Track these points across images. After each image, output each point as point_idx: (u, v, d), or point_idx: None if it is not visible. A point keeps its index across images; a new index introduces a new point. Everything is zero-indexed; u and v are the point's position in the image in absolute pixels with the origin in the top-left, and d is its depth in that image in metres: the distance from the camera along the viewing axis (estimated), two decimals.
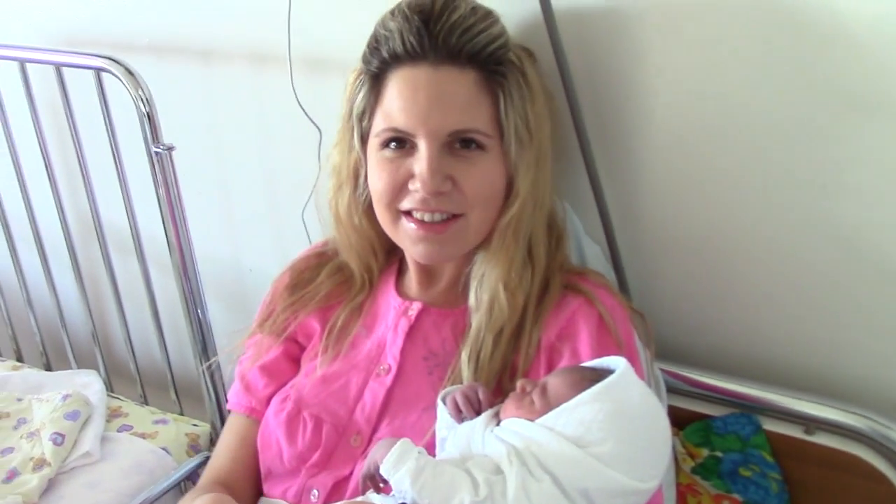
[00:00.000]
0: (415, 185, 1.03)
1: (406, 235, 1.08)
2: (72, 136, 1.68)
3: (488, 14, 1.04)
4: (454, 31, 1.00)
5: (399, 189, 1.05)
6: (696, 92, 1.14)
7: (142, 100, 1.47)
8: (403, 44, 1.01)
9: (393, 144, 1.05)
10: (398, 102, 1.03)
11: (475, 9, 1.03)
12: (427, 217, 1.05)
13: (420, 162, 1.02)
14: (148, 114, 1.47)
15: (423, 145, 1.01)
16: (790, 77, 1.07)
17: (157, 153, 1.48)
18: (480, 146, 1.03)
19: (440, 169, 1.01)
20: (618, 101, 1.19)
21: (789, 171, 1.12)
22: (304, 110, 1.43)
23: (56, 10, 1.75)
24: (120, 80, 1.48)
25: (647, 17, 1.13)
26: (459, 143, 1.03)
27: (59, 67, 1.62)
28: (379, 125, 1.06)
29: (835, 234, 1.13)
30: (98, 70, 1.53)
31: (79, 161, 1.69)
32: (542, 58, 1.17)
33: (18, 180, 1.84)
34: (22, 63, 1.69)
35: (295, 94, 1.43)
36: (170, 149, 1.48)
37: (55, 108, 1.70)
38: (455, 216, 1.05)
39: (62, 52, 1.63)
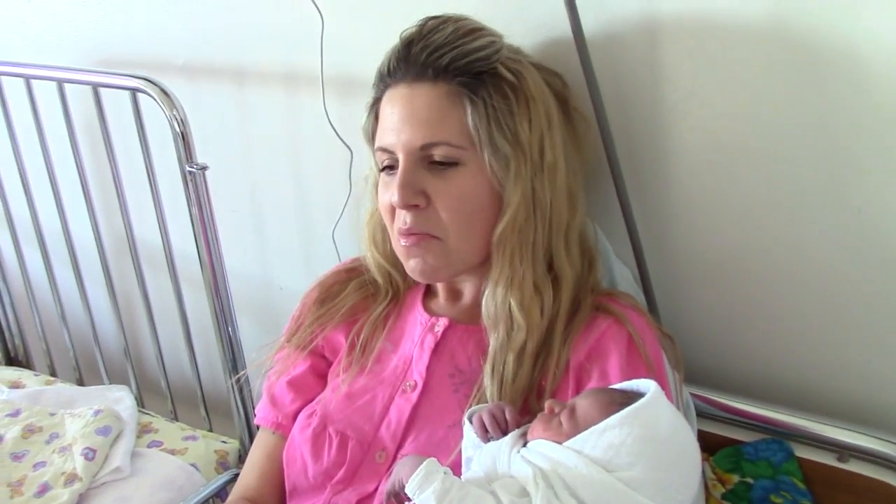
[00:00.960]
0: (393, 199, 1.06)
1: (400, 253, 1.11)
2: (107, 154, 1.71)
3: (472, 31, 1.06)
4: (427, 50, 1.04)
5: (391, 208, 1.08)
6: (726, 115, 1.14)
7: (176, 120, 1.49)
8: (388, 67, 1.07)
9: (388, 164, 1.08)
10: (384, 122, 1.08)
11: (458, 28, 1.05)
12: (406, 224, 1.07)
13: (396, 177, 1.05)
14: (182, 133, 1.50)
15: (400, 160, 1.05)
16: (820, 102, 1.07)
17: (190, 172, 1.50)
18: (455, 161, 1.04)
19: (411, 183, 1.04)
20: (648, 123, 1.19)
21: (821, 194, 1.11)
22: (335, 131, 1.45)
23: (93, 32, 1.79)
24: (155, 100, 1.51)
25: (677, 42, 1.13)
26: (438, 158, 1.04)
27: (95, 87, 1.65)
28: (375, 145, 1.11)
29: (869, 257, 1.11)
30: (134, 90, 1.56)
31: (114, 179, 1.72)
32: (574, 81, 1.18)
33: (55, 197, 1.87)
34: (60, 83, 1.72)
35: (327, 114, 1.45)
36: (203, 168, 1.50)
37: (91, 127, 1.73)
38: (431, 237, 1.06)
39: (99, 73, 1.65)
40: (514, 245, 1.06)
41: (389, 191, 1.07)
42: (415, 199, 1.04)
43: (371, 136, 1.14)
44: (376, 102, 1.11)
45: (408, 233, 1.07)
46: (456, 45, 1.04)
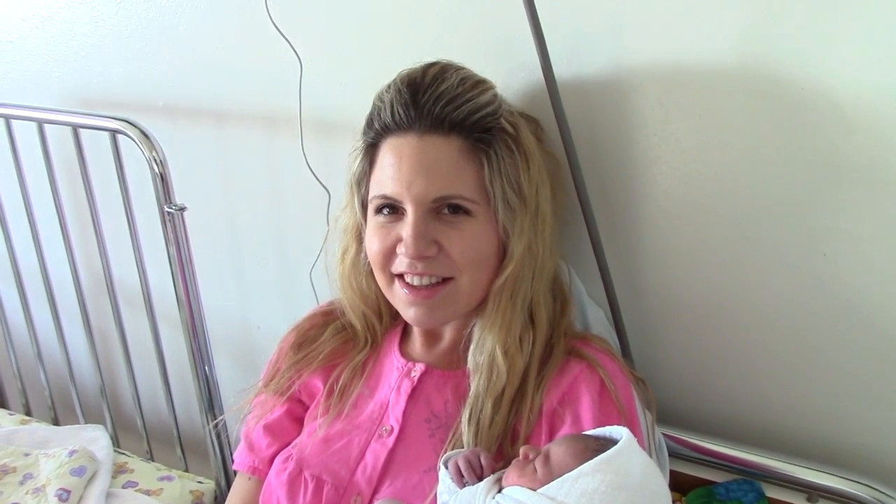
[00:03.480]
0: (401, 250, 1.06)
1: (399, 299, 1.11)
2: (86, 194, 1.71)
3: (477, 84, 1.07)
4: (439, 102, 1.03)
5: (389, 253, 1.08)
6: (697, 161, 1.16)
7: (156, 161, 1.50)
8: (393, 115, 1.05)
9: (386, 210, 1.08)
10: (387, 171, 1.06)
11: (464, 79, 1.06)
12: (416, 281, 1.07)
13: (406, 227, 1.05)
14: (161, 174, 1.51)
15: (409, 211, 1.05)
16: (789, 148, 1.10)
17: (169, 213, 1.51)
18: (467, 211, 1.05)
19: (424, 234, 1.04)
20: (620, 168, 1.22)
21: (790, 239, 1.14)
22: (313, 173, 1.47)
23: (74, 73, 1.80)
24: (135, 141, 1.52)
25: (647, 89, 1.16)
26: (448, 209, 1.05)
27: (75, 128, 1.67)
28: (372, 192, 1.10)
29: (834, 302, 1.14)
30: (114, 131, 1.57)
31: (92, 219, 1.73)
32: (546, 126, 1.20)
33: (33, 237, 1.87)
34: (40, 124, 1.73)
35: (305, 157, 1.47)
36: (182, 209, 1.51)
37: (71, 168, 1.74)
38: (446, 280, 1.07)
39: (79, 114, 1.66)
40: (509, 295, 1.08)
41: (389, 237, 1.07)
42: (428, 249, 1.05)
43: (361, 181, 1.13)
44: (371, 148, 1.10)
45: (420, 287, 1.07)
46: (468, 98, 1.04)
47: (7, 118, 1.78)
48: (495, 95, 1.08)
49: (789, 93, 1.07)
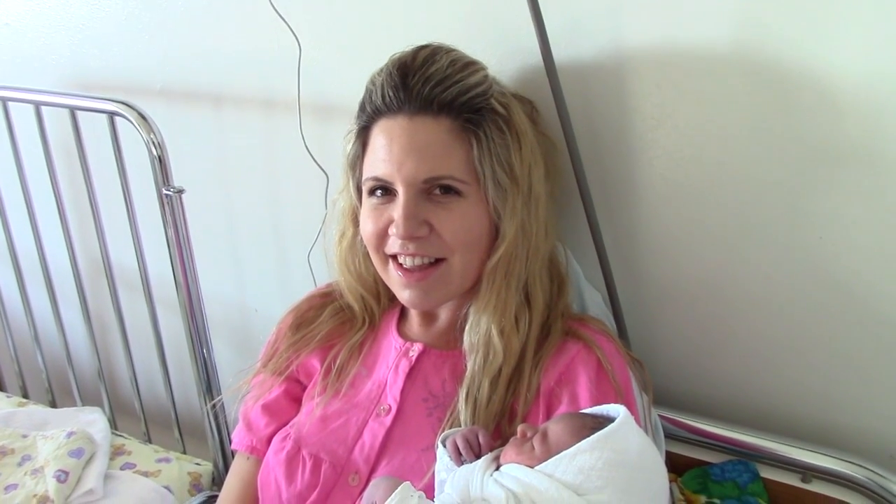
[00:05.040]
0: (393, 230, 1.07)
1: (393, 281, 1.12)
2: (84, 177, 1.71)
3: (468, 65, 1.07)
4: (428, 83, 1.04)
5: (382, 234, 1.09)
6: (693, 144, 1.17)
7: (154, 143, 1.50)
8: (383, 97, 1.06)
9: (379, 192, 1.09)
10: (378, 153, 1.07)
11: (454, 61, 1.06)
12: (409, 262, 1.08)
13: (397, 208, 1.05)
14: (159, 157, 1.51)
15: (400, 192, 1.05)
16: (785, 132, 1.10)
17: (167, 195, 1.51)
18: (457, 192, 1.06)
19: (415, 214, 1.05)
20: (617, 151, 1.22)
21: (786, 223, 1.15)
22: (311, 155, 1.47)
23: (71, 55, 1.79)
24: (133, 123, 1.52)
25: (645, 73, 1.16)
26: (439, 189, 1.06)
27: (73, 111, 1.66)
28: (364, 174, 1.11)
29: (830, 285, 1.15)
30: (111, 114, 1.57)
31: (90, 202, 1.73)
32: (544, 109, 1.20)
33: (30, 219, 1.87)
34: (37, 106, 1.73)
35: (303, 139, 1.47)
36: (180, 191, 1.51)
37: (68, 150, 1.74)
38: (438, 261, 1.08)
39: (76, 96, 1.67)
40: (503, 275, 1.08)
41: (382, 218, 1.08)
42: (419, 229, 1.05)
43: (355, 163, 1.14)
44: (364, 131, 1.11)
45: (412, 269, 1.08)
46: (457, 79, 1.05)
47: (4, 100, 1.78)
48: (486, 76, 1.09)
49: (786, 77, 1.07)
